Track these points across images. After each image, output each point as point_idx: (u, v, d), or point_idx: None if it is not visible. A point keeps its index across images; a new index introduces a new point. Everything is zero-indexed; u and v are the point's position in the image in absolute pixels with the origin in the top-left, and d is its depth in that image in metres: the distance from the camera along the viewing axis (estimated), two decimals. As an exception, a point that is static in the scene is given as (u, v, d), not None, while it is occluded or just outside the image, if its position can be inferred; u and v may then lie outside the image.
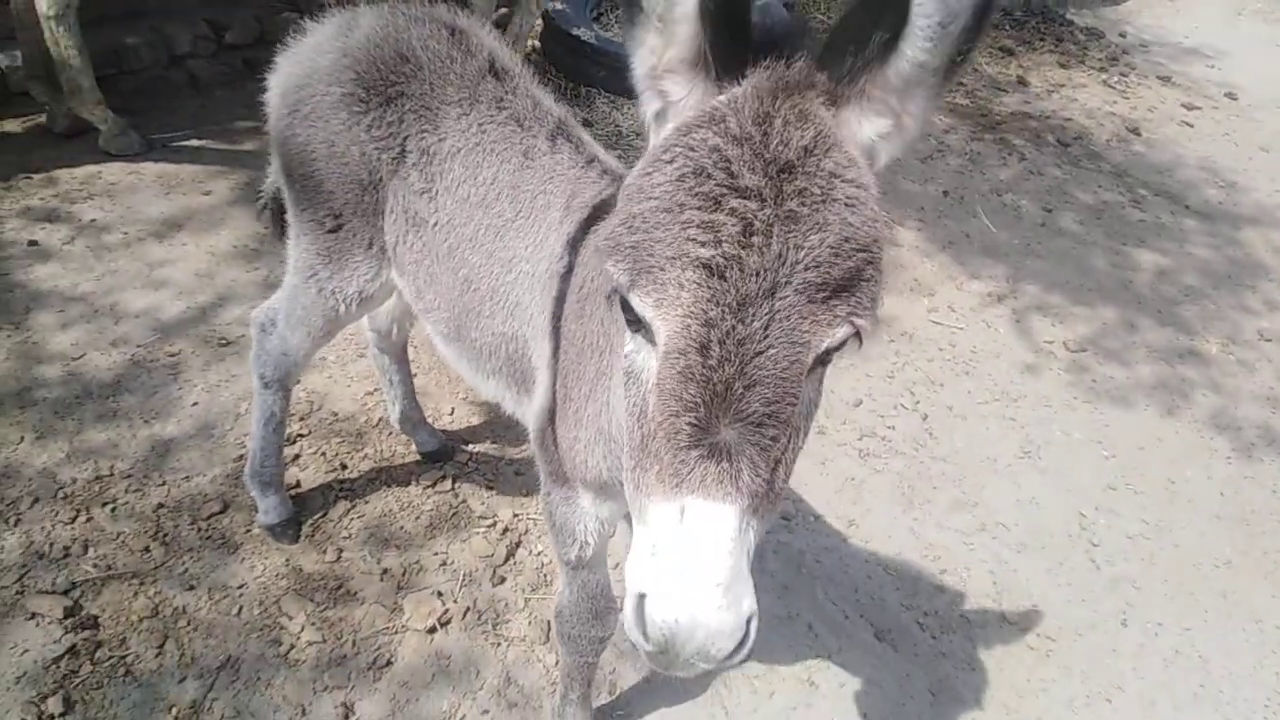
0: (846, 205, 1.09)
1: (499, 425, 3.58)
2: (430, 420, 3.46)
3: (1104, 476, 3.87)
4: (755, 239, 1.05)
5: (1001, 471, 3.81)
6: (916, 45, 1.09)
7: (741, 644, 1.09)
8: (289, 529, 2.95)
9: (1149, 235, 5.69)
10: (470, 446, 3.48)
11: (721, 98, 1.15)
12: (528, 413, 2.15)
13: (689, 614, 1.04)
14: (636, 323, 1.15)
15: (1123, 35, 9.18)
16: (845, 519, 3.45)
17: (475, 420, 3.62)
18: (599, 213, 1.83)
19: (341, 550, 2.97)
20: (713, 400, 1.07)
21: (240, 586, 2.81)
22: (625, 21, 1.18)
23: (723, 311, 1.06)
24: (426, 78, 2.10)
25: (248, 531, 2.97)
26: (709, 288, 1.06)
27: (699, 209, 1.07)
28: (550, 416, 1.90)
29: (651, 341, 1.14)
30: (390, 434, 3.42)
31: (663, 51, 1.18)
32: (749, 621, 1.10)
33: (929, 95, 1.17)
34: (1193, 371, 4.58)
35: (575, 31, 6.00)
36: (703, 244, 1.06)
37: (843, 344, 1.14)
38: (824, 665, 2.92)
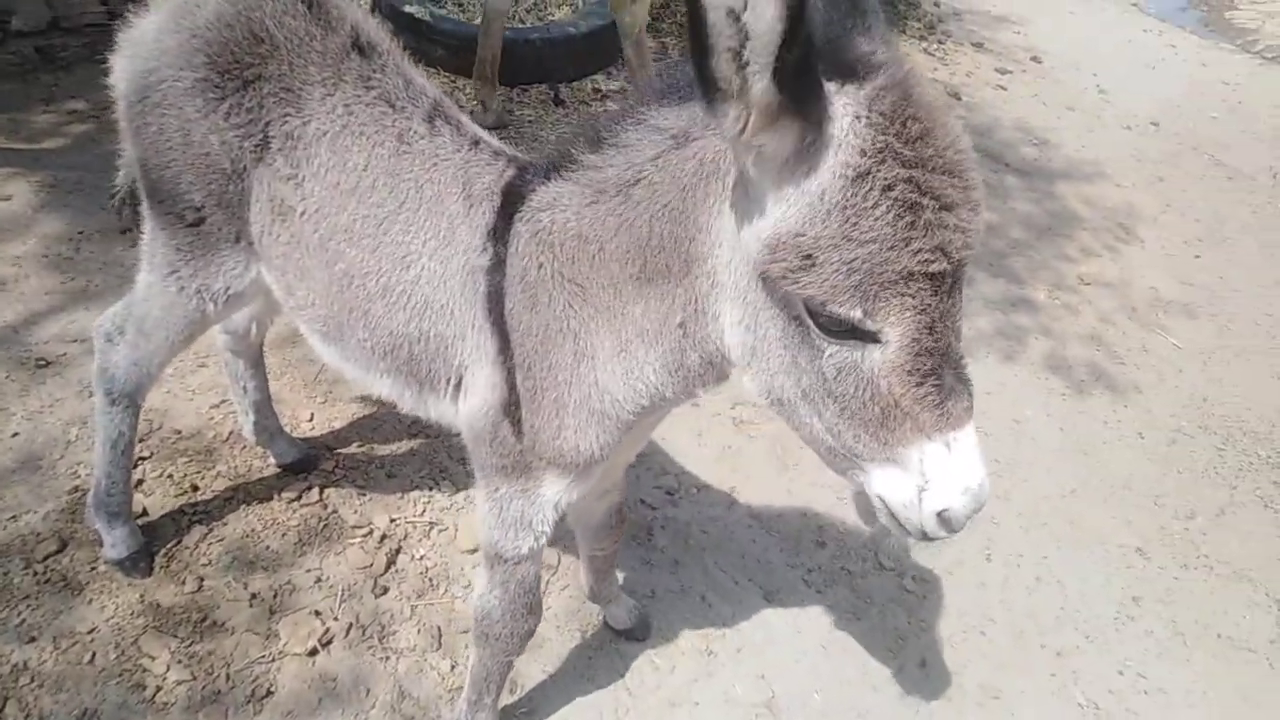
0: (979, 172, 1.31)
1: (365, 426, 3.40)
2: (288, 429, 3.24)
3: (958, 422, 4.09)
4: (972, 238, 1.27)
5: (866, 427, 3.96)
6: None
7: None
8: (140, 561, 2.68)
9: (976, 193, 6.05)
10: (336, 451, 3.29)
11: (866, 123, 1.23)
12: (452, 411, 2.04)
13: (979, 503, 1.37)
14: (848, 333, 1.30)
15: (937, 4, 9.69)
16: (727, 486, 3.50)
17: (338, 424, 3.42)
18: (514, 199, 1.78)
19: (202, 579, 2.74)
20: (942, 362, 1.31)
21: (90, 631, 2.54)
22: (703, 98, 1.21)
23: (941, 298, 1.27)
24: (285, 57, 1.92)
25: (93, 569, 2.68)
26: (934, 288, 1.26)
27: (925, 237, 1.22)
28: (505, 410, 1.84)
29: (874, 341, 1.30)
30: (244, 448, 3.18)
31: (746, 118, 1.22)
32: None
33: None
34: (1025, 319, 4.91)
35: (409, 9, 5.74)
36: (934, 262, 1.23)
37: None
38: (720, 633, 2.96)
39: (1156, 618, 3.34)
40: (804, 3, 1.06)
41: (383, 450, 3.34)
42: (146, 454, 3.08)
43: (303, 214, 1.96)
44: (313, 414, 3.43)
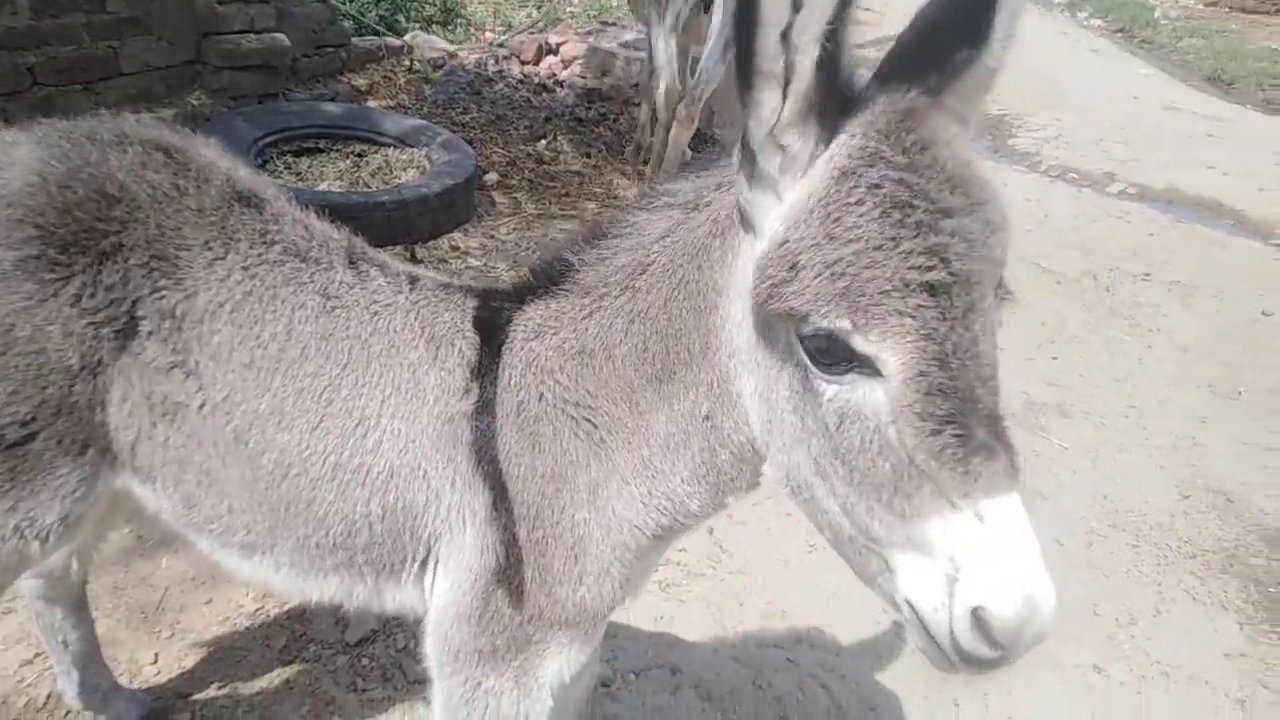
0: (1000, 202, 1.20)
1: (226, 660, 2.78)
2: (125, 680, 2.58)
3: (884, 553, 3.88)
4: (976, 250, 1.12)
5: (796, 571, 3.68)
6: (994, 55, 1.20)
7: None
8: None
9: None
10: (191, 699, 2.64)
11: (861, 136, 1.16)
12: (417, 595, 1.72)
13: (1033, 597, 1.09)
14: (845, 363, 1.15)
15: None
16: (668, 666, 3.07)
17: (190, 661, 2.77)
18: (492, 329, 1.59)
19: None
20: (963, 407, 1.11)
21: None
22: (739, 85, 1.16)
23: (951, 324, 1.10)
24: (151, 219, 1.55)
25: None
26: (938, 307, 1.10)
27: (916, 238, 1.10)
28: (500, 576, 1.55)
29: (875, 374, 1.14)
30: (69, 713, 2.49)
31: (780, 109, 1.16)
32: None
33: (984, 94, 1.26)
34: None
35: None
36: (929, 269, 1.09)
37: None
38: None
39: (1134, 740, 3.13)
40: None
41: (250, 689, 2.71)
42: (-73, 744, 2.35)
43: (203, 407, 1.58)
44: (156, 654, 2.77)
